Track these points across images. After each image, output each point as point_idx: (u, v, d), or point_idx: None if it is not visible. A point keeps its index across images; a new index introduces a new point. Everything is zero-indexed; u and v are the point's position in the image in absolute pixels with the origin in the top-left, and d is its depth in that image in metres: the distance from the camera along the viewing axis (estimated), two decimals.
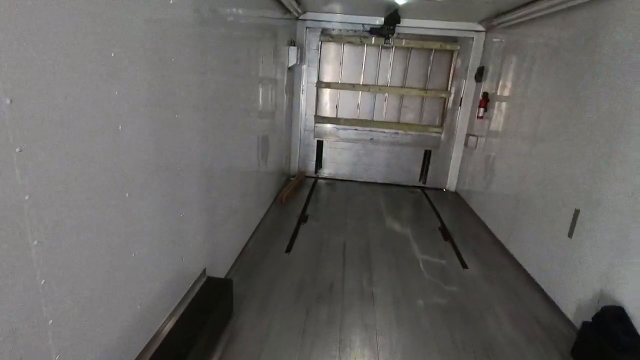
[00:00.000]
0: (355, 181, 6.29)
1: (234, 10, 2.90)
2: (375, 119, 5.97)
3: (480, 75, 5.39)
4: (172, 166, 2.01)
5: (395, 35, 5.44)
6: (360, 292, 3.11)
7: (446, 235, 4.37)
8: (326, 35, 5.57)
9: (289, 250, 3.72)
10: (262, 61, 3.98)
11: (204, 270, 2.61)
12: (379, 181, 6.29)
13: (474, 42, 5.48)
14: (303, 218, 4.56)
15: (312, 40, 5.69)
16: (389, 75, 5.74)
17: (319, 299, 2.97)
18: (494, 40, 5.12)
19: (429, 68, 5.65)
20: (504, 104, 4.60)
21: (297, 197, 5.35)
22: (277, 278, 3.21)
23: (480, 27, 5.33)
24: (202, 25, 2.28)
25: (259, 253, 3.60)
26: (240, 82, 3.16)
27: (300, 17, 5.50)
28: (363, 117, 5.99)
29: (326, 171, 6.35)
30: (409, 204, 5.48)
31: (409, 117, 5.96)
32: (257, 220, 4.21)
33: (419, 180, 6.25)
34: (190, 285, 2.42)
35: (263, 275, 3.23)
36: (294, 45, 5.14)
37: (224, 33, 2.72)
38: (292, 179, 5.98)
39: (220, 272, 2.96)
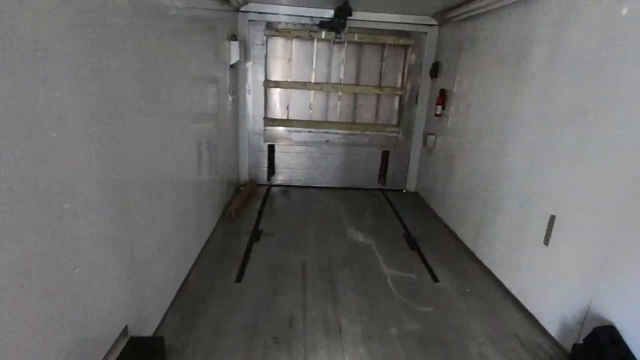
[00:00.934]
0: (312, 187, 5.85)
1: None
2: (329, 119, 5.57)
3: (435, 71, 5.18)
4: (51, 195, 1.42)
5: (346, 29, 5.06)
6: (325, 325, 2.67)
7: (412, 243, 4.07)
8: (272, 29, 5.05)
9: (239, 279, 3.18)
10: (198, 58, 3.40)
11: (125, 329, 2.01)
12: (337, 185, 5.90)
13: (427, 37, 5.25)
14: (255, 235, 4.03)
15: (257, 35, 5.14)
16: (341, 73, 5.35)
17: (276, 341, 2.48)
18: (448, 34, 4.91)
19: (383, 64, 5.34)
20: (461, 101, 4.39)
21: (248, 209, 4.80)
22: (224, 318, 2.67)
23: (433, 21, 5.11)
24: (105, 13, 1.69)
25: (203, 286, 3.03)
26: (167, 81, 2.57)
27: (241, 9, 4.92)
28: (316, 117, 5.55)
29: (280, 178, 5.84)
30: (370, 209, 5.15)
31: (365, 116, 5.62)
32: (200, 243, 3.62)
33: (379, 182, 5.96)
34: (104, 354, 1.82)
35: (208, 316, 2.68)
36: (236, 40, 4.57)
37: (143, 24, 2.13)
38: (242, 188, 5.40)
39: (150, 325, 2.37)
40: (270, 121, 5.47)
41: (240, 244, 3.82)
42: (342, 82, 5.38)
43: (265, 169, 5.75)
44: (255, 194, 5.40)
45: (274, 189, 5.72)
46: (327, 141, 5.64)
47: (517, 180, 3.16)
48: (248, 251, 3.66)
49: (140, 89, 2.13)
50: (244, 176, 5.71)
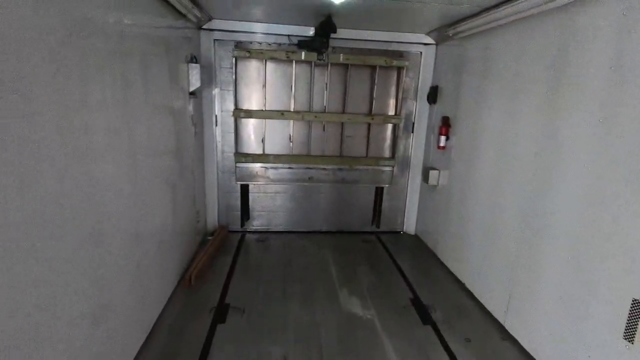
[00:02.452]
0: (295, 232, 4.95)
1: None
2: (312, 153, 4.74)
3: (434, 96, 4.47)
4: None
5: (330, 49, 4.33)
6: None
7: (423, 313, 3.19)
8: (242, 49, 4.26)
9: None
10: (145, 83, 2.54)
11: None
12: (324, 229, 5.02)
13: (422, 58, 4.57)
14: (221, 313, 3.07)
15: (224, 57, 4.33)
16: (325, 99, 4.58)
17: None
18: (447, 54, 4.24)
19: (374, 89, 4.60)
20: (470, 130, 3.65)
21: (215, 269, 3.84)
22: None
23: (429, 40, 4.44)
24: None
25: None
26: (99, 112, 1.69)
27: (204, 26, 4.12)
28: (297, 151, 4.72)
29: (256, 223, 4.92)
30: (365, 261, 4.26)
31: (354, 148, 4.83)
32: (143, 333, 2.64)
33: (372, 224, 5.11)
34: None
35: None
36: (196, 62, 3.73)
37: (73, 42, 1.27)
38: (210, 238, 4.45)
39: None
40: (242, 157, 4.59)
41: (199, 328, 2.85)
42: (326, 110, 4.60)
43: (239, 213, 4.83)
44: (226, 245, 4.45)
45: (249, 236, 4.78)
46: (310, 178, 4.79)
47: (566, 235, 2.36)
48: (208, 342, 2.69)
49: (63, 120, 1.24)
50: (213, 223, 4.76)
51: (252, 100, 4.52)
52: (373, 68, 4.55)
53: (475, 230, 3.48)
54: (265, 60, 4.37)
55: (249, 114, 4.45)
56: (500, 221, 3.08)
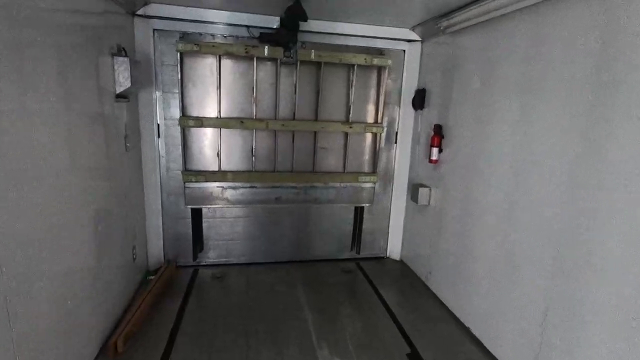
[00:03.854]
0: (260, 264, 4.12)
1: None
2: (279, 168, 3.95)
3: (420, 100, 3.84)
4: None
5: (299, 44, 3.59)
6: None
7: None
8: (189, 42, 3.41)
9: None
10: (53, 83, 1.71)
11: None
12: (296, 258, 4.23)
13: (406, 57, 3.95)
14: None
15: (167, 51, 3.48)
16: (294, 104, 3.82)
17: None
18: (435, 52, 3.63)
19: (351, 92, 3.91)
20: (468, 140, 3.04)
21: (154, 323, 2.94)
22: None
23: (414, 35, 3.82)
24: None
25: None
26: None
27: (138, 12, 3.26)
28: (262, 167, 3.92)
29: (212, 255, 4.04)
30: (347, 299, 3.51)
31: (329, 162, 4.09)
32: None
33: (352, 249, 4.38)
34: None
35: None
36: (124, 56, 2.85)
37: None
38: (152, 278, 3.52)
39: None
40: (193, 175, 3.72)
41: None
42: (295, 117, 3.84)
43: (190, 243, 3.93)
44: (173, 286, 3.54)
45: (203, 272, 3.89)
46: (277, 199, 4.00)
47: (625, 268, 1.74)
48: None
49: None
50: (157, 257, 3.83)
51: (204, 106, 3.68)
52: (350, 68, 3.86)
53: (482, 264, 2.83)
54: (220, 57, 3.55)
55: (200, 122, 3.59)
56: (520, 253, 2.44)
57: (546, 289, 2.21)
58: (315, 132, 3.93)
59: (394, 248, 4.41)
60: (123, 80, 2.81)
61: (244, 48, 3.48)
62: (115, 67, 2.76)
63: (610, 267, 1.82)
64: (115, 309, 2.87)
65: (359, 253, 4.36)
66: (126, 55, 2.87)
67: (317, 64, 3.76)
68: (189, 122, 3.57)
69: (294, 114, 3.83)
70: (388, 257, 4.46)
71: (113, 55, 2.76)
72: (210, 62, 3.59)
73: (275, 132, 3.85)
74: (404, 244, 4.32)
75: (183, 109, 3.58)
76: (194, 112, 3.66)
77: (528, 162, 2.38)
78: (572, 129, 2.06)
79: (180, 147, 3.65)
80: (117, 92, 2.82)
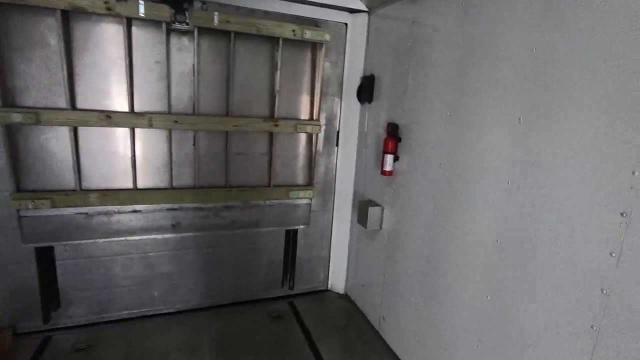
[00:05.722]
0: (153, 317, 2.94)
1: None
2: (176, 184, 2.79)
3: (368, 91, 2.92)
4: None
5: (196, 3, 2.46)
6: None
7: None
8: None
9: None
10: None
11: None
12: (203, 305, 3.11)
13: (349, 31, 3.00)
14: None
15: None
16: (194, 92, 2.67)
17: None
18: (388, 27, 2.71)
19: (277, 76, 2.85)
20: (431, 145, 2.17)
21: None
22: None
23: (358, 4, 2.86)
24: None
25: None
26: None
27: None
28: (149, 182, 2.72)
29: (74, 312, 2.76)
30: None
31: (250, 174, 3.01)
32: None
33: (283, 284, 3.36)
34: None
35: None
36: None
37: None
38: None
39: None
40: (31, 199, 2.40)
41: None
42: (196, 111, 2.70)
43: (37, 299, 2.61)
44: None
45: (60, 340, 2.61)
46: (176, 225, 2.84)
47: None
48: None
49: None
50: None
51: (48, 92, 2.38)
52: (274, 43, 2.80)
53: (465, 317, 1.98)
54: (63, 14, 2.27)
55: (36, 116, 2.29)
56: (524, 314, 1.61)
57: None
58: (227, 133, 2.81)
59: (337, 279, 3.48)
60: None
61: (103, 4, 2.24)
62: None
63: None
64: None
65: (292, 288, 3.36)
66: None
67: (226, 35, 2.64)
68: (15, 116, 2.24)
69: (195, 106, 2.69)
70: (330, 290, 3.52)
71: None
72: (48, 24, 2.29)
73: (170, 133, 2.67)
74: (350, 274, 3.40)
75: (3, 95, 2.24)
76: (27, 99, 2.34)
77: (532, 173, 1.54)
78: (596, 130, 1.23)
79: (5, 156, 2.32)
80: None
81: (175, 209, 2.81)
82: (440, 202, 2.14)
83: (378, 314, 2.89)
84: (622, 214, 1.23)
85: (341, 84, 3.08)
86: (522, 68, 1.60)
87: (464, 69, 1.95)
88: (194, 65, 2.61)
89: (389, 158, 2.54)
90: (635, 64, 1.20)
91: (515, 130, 1.64)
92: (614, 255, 1.26)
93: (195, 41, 2.56)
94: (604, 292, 1.29)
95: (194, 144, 2.76)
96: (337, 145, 3.22)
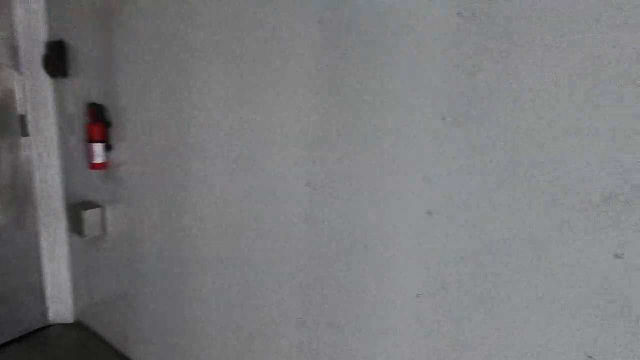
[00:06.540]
0: None
1: None
2: None
3: (58, 63, 2.24)
4: None
5: None
6: None
7: None
8: None
9: None
10: None
11: None
12: None
13: None
14: None
15: None
16: None
17: None
18: None
19: None
20: (162, 127, 1.89)
21: None
22: None
23: None
24: None
25: None
26: None
27: None
28: None
29: None
30: None
31: None
32: None
33: None
34: None
35: None
36: None
37: None
38: None
39: None
40: None
41: None
42: None
43: None
44: None
45: None
46: None
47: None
48: None
49: None
50: None
51: None
52: None
53: (213, 312, 1.87)
54: None
55: None
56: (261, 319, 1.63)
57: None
58: None
59: (62, 306, 2.70)
60: None
61: None
62: None
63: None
64: None
65: None
66: None
67: None
68: None
69: None
70: (54, 325, 2.71)
71: None
72: None
73: None
74: (80, 296, 2.70)
75: None
76: None
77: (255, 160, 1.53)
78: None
79: None
80: None
81: None
82: (175, 190, 1.88)
83: (123, 333, 2.42)
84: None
85: (15, 49, 2.23)
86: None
87: (172, 39, 1.70)
88: None
89: (98, 147, 2.04)
90: None
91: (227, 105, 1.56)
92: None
93: None
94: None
95: None
96: (26, 134, 2.37)
